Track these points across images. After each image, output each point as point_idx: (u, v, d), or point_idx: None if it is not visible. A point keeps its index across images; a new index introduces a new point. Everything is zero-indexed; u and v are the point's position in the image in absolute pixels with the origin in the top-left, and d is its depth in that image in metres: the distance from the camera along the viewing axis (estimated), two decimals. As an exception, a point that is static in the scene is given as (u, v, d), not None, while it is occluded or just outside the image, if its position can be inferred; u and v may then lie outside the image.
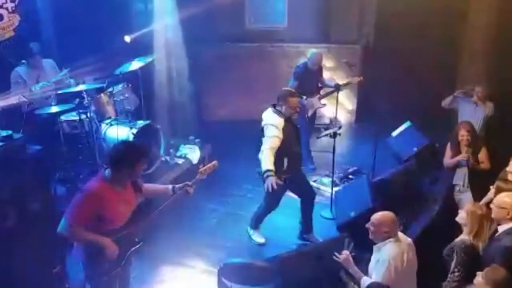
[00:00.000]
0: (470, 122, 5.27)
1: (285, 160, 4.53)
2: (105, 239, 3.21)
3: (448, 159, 5.20)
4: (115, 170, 3.22)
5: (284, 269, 4.07)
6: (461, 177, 5.06)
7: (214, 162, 3.82)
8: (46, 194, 4.17)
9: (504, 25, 6.50)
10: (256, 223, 5.12)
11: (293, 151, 4.58)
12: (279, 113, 4.51)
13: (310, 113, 6.31)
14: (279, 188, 4.59)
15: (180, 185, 3.62)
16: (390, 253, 3.38)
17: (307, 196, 4.97)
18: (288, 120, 4.51)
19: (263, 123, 4.55)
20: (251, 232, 5.15)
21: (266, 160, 4.37)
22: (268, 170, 4.32)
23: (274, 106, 4.57)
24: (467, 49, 7.21)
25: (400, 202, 5.30)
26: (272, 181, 4.28)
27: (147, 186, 3.62)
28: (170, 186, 3.63)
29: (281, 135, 4.42)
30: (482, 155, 5.03)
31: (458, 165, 5.08)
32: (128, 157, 3.20)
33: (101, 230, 3.21)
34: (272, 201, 4.87)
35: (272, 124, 4.45)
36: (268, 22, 8.17)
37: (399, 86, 7.15)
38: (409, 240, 3.56)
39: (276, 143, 4.41)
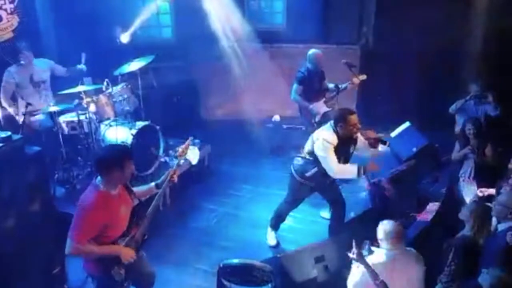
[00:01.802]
0: (477, 117, 5.42)
1: (313, 169, 4.46)
2: (116, 246, 3.25)
3: (455, 153, 5.30)
4: (106, 175, 3.18)
5: (283, 270, 4.07)
6: (467, 170, 5.13)
7: (188, 140, 3.78)
8: (45, 195, 4.17)
9: (504, 26, 6.50)
10: (276, 222, 5.05)
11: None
12: (336, 132, 4.31)
13: (317, 118, 6.13)
14: (304, 190, 4.68)
15: (163, 177, 3.60)
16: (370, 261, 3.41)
17: (336, 203, 4.85)
18: (341, 139, 4.31)
19: (315, 136, 4.42)
20: (268, 230, 5.11)
21: (345, 169, 4.32)
22: (358, 170, 4.27)
23: (334, 124, 4.34)
24: (467, 49, 7.21)
25: (400, 202, 5.31)
26: (368, 166, 4.28)
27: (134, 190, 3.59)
28: (153, 184, 3.62)
29: (335, 156, 4.31)
30: (488, 150, 5.09)
31: (465, 158, 5.17)
32: (115, 158, 3.19)
33: (108, 239, 3.23)
34: (295, 201, 4.86)
35: (327, 140, 4.29)
36: (267, 23, 8.18)
37: (398, 87, 7.16)
38: (411, 262, 3.45)
39: (334, 160, 4.32)
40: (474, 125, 5.13)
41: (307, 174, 4.51)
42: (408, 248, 3.55)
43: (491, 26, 6.78)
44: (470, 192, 4.97)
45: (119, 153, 3.28)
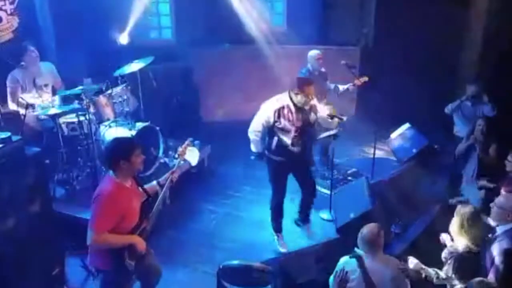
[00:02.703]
0: (490, 116, 5.53)
1: (275, 140, 4.66)
2: (132, 236, 3.35)
3: (460, 146, 5.41)
4: (115, 168, 3.29)
5: (283, 271, 4.06)
6: (470, 168, 5.13)
7: (188, 141, 3.89)
8: (45, 196, 4.16)
9: (503, 26, 6.51)
10: (276, 221, 5.03)
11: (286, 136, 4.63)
12: (291, 98, 4.59)
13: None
14: (279, 169, 4.77)
15: (166, 175, 3.71)
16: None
17: (306, 188, 4.99)
18: (296, 106, 4.57)
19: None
20: (275, 238, 5.05)
21: (256, 140, 4.78)
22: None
23: (292, 90, 4.62)
24: (466, 51, 7.22)
25: (400, 203, 5.32)
26: None
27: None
28: (154, 182, 3.72)
29: (268, 119, 4.62)
30: (492, 150, 5.08)
31: (468, 156, 5.17)
32: (122, 151, 3.29)
33: (123, 231, 3.31)
34: (278, 187, 4.87)
35: (264, 107, 4.69)
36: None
37: (398, 88, 7.15)
38: (383, 270, 3.43)
39: (257, 126, 4.72)
40: (485, 121, 5.14)
41: (272, 147, 4.69)
42: (386, 256, 3.53)
43: (491, 26, 6.78)
44: (472, 192, 4.98)
45: (123, 145, 3.38)
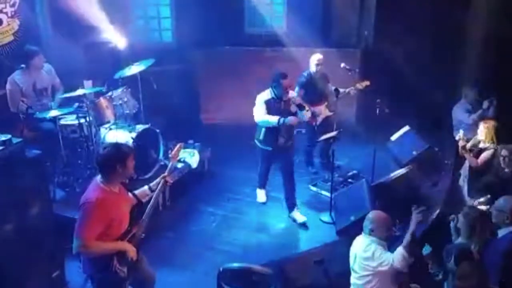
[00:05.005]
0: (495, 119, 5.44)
1: (263, 131, 5.18)
2: (121, 242, 3.32)
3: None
4: (109, 172, 3.27)
5: (283, 274, 4.06)
6: (465, 168, 5.12)
7: (179, 144, 3.86)
8: (45, 198, 4.15)
9: (503, 26, 6.50)
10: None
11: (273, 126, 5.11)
12: (270, 92, 5.13)
13: (319, 121, 6.21)
14: (267, 157, 5.42)
15: (157, 180, 3.68)
16: None
17: (286, 173, 5.45)
18: (275, 98, 5.09)
19: None
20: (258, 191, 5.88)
21: (265, 117, 5.08)
22: (278, 120, 5.01)
23: (271, 85, 5.14)
24: (467, 53, 7.21)
25: (400, 205, 5.30)
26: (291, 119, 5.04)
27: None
28: (146, 187, 3.68)
29: (263, 109, 5.09)
30: (484, 154, 5.03)
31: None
32: (118, 155, 3.27)
33: (111, 238, 3.27)
34: (266, 169, 5.62)
35: (259, 97, 5.17)
36: (267, 27, 8.19)
37: (398, 90, 7.16)
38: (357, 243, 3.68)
39: (261, 112, 5.12)
40: (493, 126, 5.06)
41: (261, 137, 5.21)
42: (367, 237, 3.61)
43: (491, 26, 6.77)
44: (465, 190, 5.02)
45: (122, 151, 3.35)
